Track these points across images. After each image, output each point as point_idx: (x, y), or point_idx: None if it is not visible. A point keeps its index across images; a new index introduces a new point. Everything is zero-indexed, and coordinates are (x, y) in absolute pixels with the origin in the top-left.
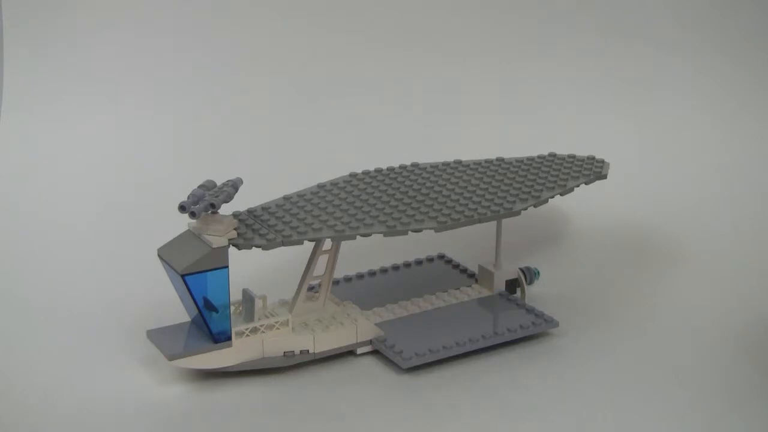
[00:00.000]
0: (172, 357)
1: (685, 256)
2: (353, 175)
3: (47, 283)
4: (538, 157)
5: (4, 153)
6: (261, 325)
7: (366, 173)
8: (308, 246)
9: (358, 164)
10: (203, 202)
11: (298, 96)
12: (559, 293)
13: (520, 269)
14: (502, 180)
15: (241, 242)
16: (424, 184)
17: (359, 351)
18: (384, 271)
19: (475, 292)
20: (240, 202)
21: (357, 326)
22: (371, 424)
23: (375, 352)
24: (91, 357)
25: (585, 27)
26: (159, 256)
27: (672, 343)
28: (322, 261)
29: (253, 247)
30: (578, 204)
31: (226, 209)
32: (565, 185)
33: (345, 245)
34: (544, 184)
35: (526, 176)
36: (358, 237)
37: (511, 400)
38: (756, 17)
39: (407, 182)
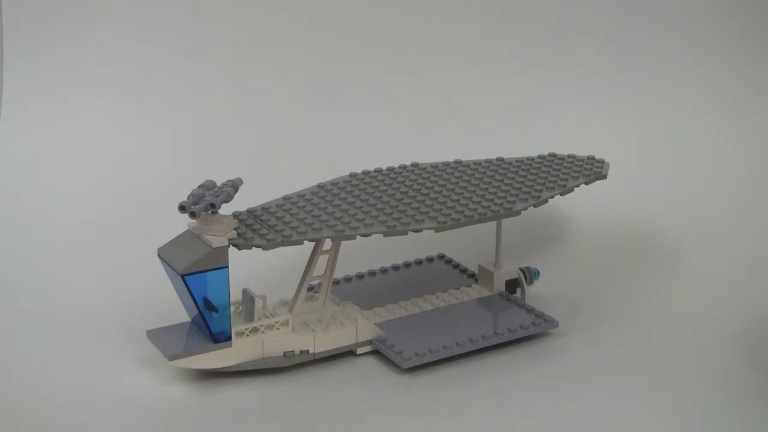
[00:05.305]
0: (172, 357)
1: (685, 256)
2: (353, 175)
3: (47, 283)
4: (538, 157)
5: (4, 153)
6: (261, 325)
7: (366, 173)
8: (308, 246)
9: (358, 164)
10: (203, 202)
11: (298, 96)
12: (559, 293)
13: (520, 269)
14: (502, 180)
15: (241, 242)
16: (424, 184)
17: (359, 351)
18: (384, 271)
19: (475, 292)
20: (240, 202)
21: (357, 326)
22: (371, 424)
23: (375, 352)
24: (91, 357)
25: (585, 27)
26: (159, 256)
27: (672, 342)
28: (322, 261)
29: (253, 247)
30: (578, 204)
31: (226, 209)
32: (565, 185)
33: (345, 245)
34: (544, 184)
35: (526, 176)
36: (358, 237)
37: (511, 400)
38: (756, 17)
39: (407, 182)
